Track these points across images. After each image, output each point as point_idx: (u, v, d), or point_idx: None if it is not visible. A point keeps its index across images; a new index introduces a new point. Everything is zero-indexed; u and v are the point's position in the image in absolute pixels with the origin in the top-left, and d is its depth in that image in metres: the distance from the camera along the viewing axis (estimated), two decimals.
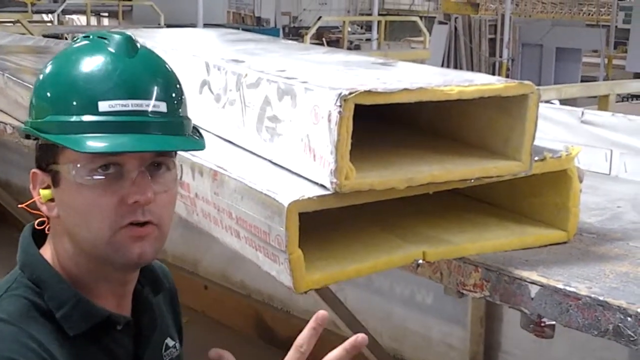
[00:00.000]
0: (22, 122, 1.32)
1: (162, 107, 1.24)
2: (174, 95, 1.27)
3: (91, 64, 1.23)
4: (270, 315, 4.62)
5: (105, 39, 1.26)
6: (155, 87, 1.24)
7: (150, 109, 1.22)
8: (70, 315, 1.25)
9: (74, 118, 1.20)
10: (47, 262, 1.30)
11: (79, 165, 1.22)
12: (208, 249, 4.93)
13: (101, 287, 1.31)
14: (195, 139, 1.31)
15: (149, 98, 1.23)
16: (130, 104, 1.21)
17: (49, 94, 1.25)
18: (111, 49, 1.24)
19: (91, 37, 1.29)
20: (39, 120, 1.24)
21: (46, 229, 1.33)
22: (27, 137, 1.30)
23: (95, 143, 1.18)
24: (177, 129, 1.26)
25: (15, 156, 6.39)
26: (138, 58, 1.25)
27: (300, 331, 1.23)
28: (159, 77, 1.27)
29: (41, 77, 1.29)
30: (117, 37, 1.26)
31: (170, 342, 1.44)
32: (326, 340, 1.26)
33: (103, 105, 1.20)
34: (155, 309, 1.41)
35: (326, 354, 1.21)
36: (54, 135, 1.21)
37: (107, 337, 1.30)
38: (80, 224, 1.25)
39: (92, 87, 1.21)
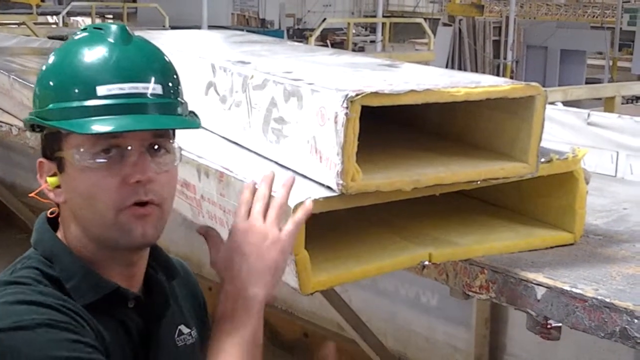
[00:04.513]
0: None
1: (158, 89, 1.31)
2: (168, 77, 1.35)
3: (89, 52, 1.31)
4: (274, 316, 4.61)
5: (101, 29, 1.34)
6: (150, 71, 1.32)
7: (148, 91, 1.30)
8: (80, 286, 1.31)
9: (75, 103, 1.27)
10: (59, 239, 1.36)
11: (82, 150, 1.28)
12: None
13: (109, 268, 1.36)
14: (190, 119, 1.38)
15: (145, 81, 1.30)
16: (127, 87, 1.28)
17: (51, 83, 1.32)
18: (108, 38, 1.32)
19: (88, 28, 1.37)
20: (43, 109, 1.31)
21: (59, 218, 1.39)
22: (32, 128, 1.36)
23: (97, 126, 1.25)
24: (174, 109, 1.34)
25: (20, 158, 6.40)
26: (133, 45, 1.33)
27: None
28: (154, 61, 1.34)
29: (44, 68, 1.36)
30: (112, 27, 1.34)
31: (184, 329, 1.49)
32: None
33: (101, 90, 1.27)
34: (167, 292, 1.45)
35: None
36: (57, 122, 1.28)
37: (119, 312, 1.35)
38: (86, 206, 1.31)
39: (91, 73, 1.28)
